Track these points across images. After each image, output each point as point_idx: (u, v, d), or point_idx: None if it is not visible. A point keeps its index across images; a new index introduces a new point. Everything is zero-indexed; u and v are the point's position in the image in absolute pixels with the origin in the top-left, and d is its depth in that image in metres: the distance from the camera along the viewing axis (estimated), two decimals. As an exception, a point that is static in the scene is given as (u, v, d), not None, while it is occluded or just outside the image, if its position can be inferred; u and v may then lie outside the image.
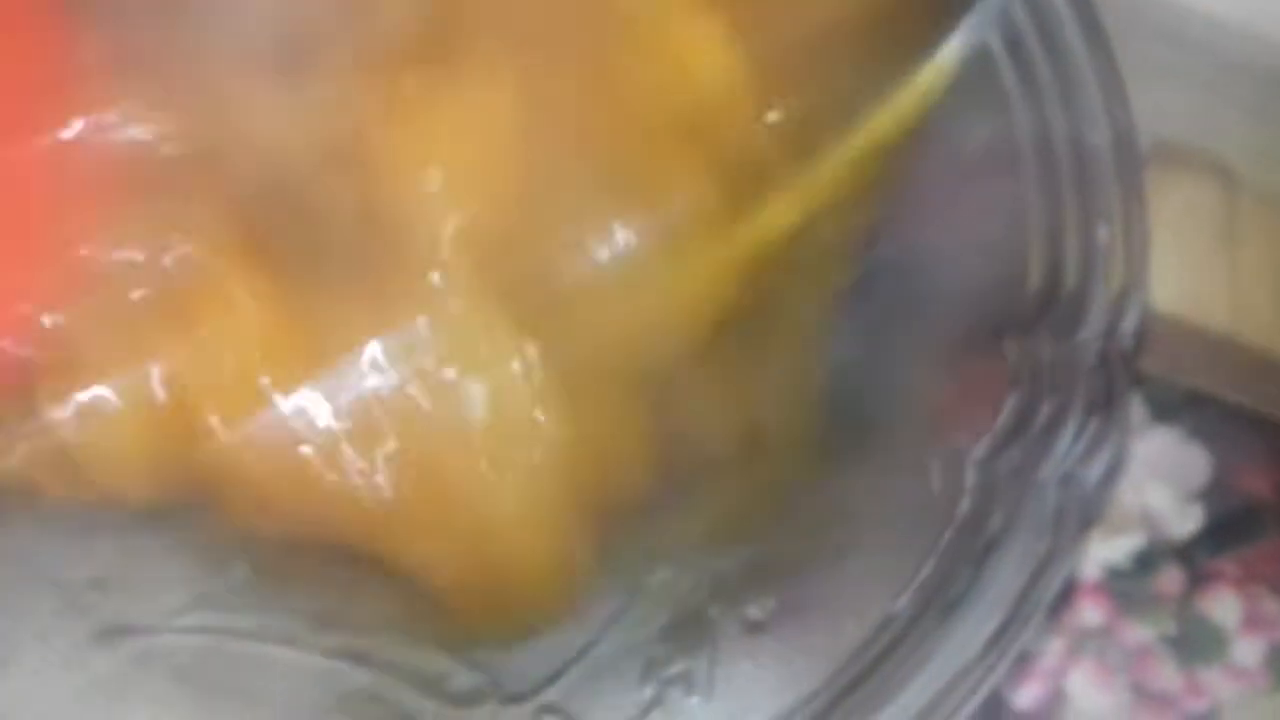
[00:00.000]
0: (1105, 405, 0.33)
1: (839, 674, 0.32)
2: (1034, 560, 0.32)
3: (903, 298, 0.37)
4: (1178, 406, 0.47)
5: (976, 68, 0.37)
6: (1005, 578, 0.32)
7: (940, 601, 0.32)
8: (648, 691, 0.34)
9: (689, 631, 0.35)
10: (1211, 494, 0.46)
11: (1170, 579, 0.45)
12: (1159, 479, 0.46)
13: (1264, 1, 0.50)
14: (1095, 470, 0.33)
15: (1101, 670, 0.44)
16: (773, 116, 0.31)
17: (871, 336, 0.38)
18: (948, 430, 0.35)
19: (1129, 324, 0.34)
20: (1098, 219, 0.35)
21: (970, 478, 0.34)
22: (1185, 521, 0.46)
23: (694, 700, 0.34)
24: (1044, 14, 0.37)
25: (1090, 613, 0.45)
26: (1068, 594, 0.44)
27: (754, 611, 0.34)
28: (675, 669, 0.34)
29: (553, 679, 0.35)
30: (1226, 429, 0.47)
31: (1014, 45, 0.37)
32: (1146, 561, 0.45)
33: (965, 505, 0.33)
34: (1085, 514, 0.33)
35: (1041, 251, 0.35)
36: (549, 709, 0.34)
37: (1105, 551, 0.45)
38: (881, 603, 0.33)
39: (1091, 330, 0.34)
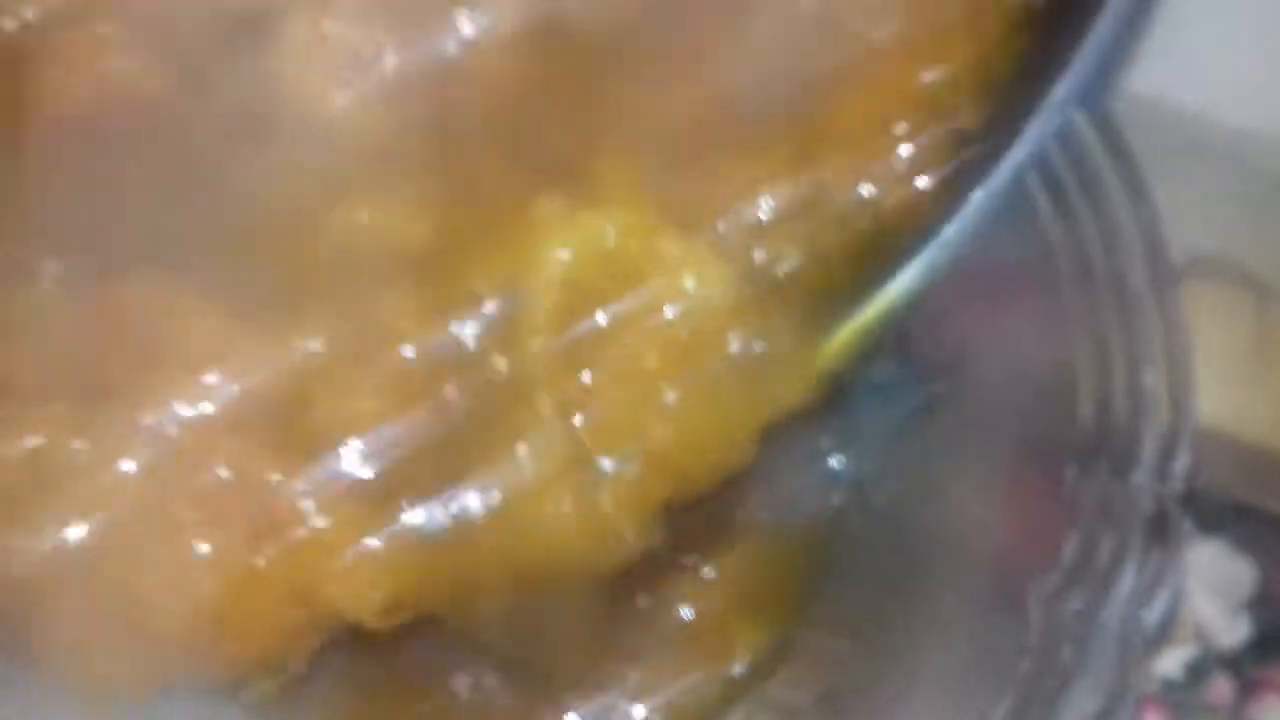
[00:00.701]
0: (1162, 544, 0.35)
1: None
2: (1104, 693, 0.34)
3: (958, 436, 0.39)
4: (1222, 518, 0.48)
5: (1018, 211, 0.39)
6: (1078, 710, 0.34)
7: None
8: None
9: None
10: (1258, 604, 0.47)
11: (1221, 689, 0.46)
12: (1207, 590, 0.47)
13: (1288, 112, 0.51)
14: (1156, 606, 0.35)
15: (1161, 781, 0.45)
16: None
17: (931, 473, 0.40)
18: (1012, 567, 0.37)
19: (1179, 464, 0.36)
20: (1143, 363, 0.36)
21: (1037, 616, 0.35)
22: (1234, 632, 0.47)
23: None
24: (1079, 156, 0.39)
25: (1145, 723, 0.46)
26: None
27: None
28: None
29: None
30: (1271, 540, 0.48)
31: (1053, 189, 0.39)
32: (1198, 672, 0.47)
33: (1033, 642, 0.35)
34: (1148, 646, 0.34)
35: (1090, 395, 0.37)
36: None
37: (1159, 664, 0.46)
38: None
39: (1144, 471, 0.36)
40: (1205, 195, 0.52)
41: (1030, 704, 0.34)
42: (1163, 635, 0.34)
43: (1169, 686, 0.46)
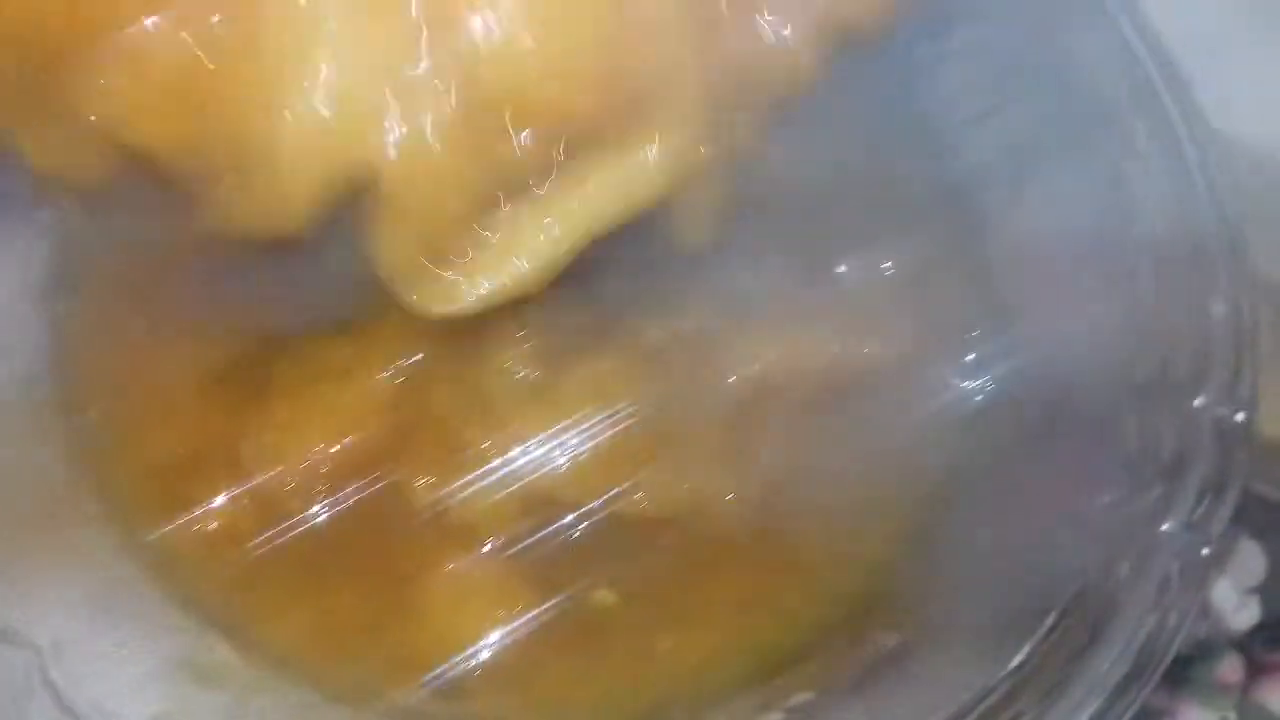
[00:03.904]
0: (1221, 471, 0.35)
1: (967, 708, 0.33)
2: (1157, 616, 0.33)
3: (1028, 367, 0.39)
4: (1236, 505, 0.48)
5: (1099, 152, 0.40)
6: (1128, 631, 0.33)
7: (1066, 650, 0.33)
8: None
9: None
10: (1268, 590, 0.47)
11: (1230, 668, 0.46)
12: (1220, 573, 0.47)
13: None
14: (1214, 528, 0.34)
15: (1167, 752, 0.45)
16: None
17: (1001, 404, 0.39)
18: (1071, 490, 0.36)
19: (1243, 393, 0.35)
20: (1212, 294, 0.36)
21: (1093, 534, 0.35)
22: (1243, 615, 0.47)
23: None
24: (1151, 108, 0.40)
25: (1154, 697, 0.45)
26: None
27: (887, 639, 0.35)
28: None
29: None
30: (1281, 529, 0.48)
31: (1126, 142, 0.39)
32: (1208, 650, 0.46)
33: (1092, 559, 0.34)
34: (1206, 567, 0.34)
35: (1157, 324, 0.37)
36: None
37: (1169, 637, 0.46)
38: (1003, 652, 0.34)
39: (1207, 399, 0.36)
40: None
41: (1081, 617, 0.34)
42: (1225, 552, 0.33)
43: (1177, 660, 0.46)
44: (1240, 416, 0.35)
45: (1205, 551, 0.33)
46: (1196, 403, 0.36)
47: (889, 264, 0.43)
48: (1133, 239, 0.39)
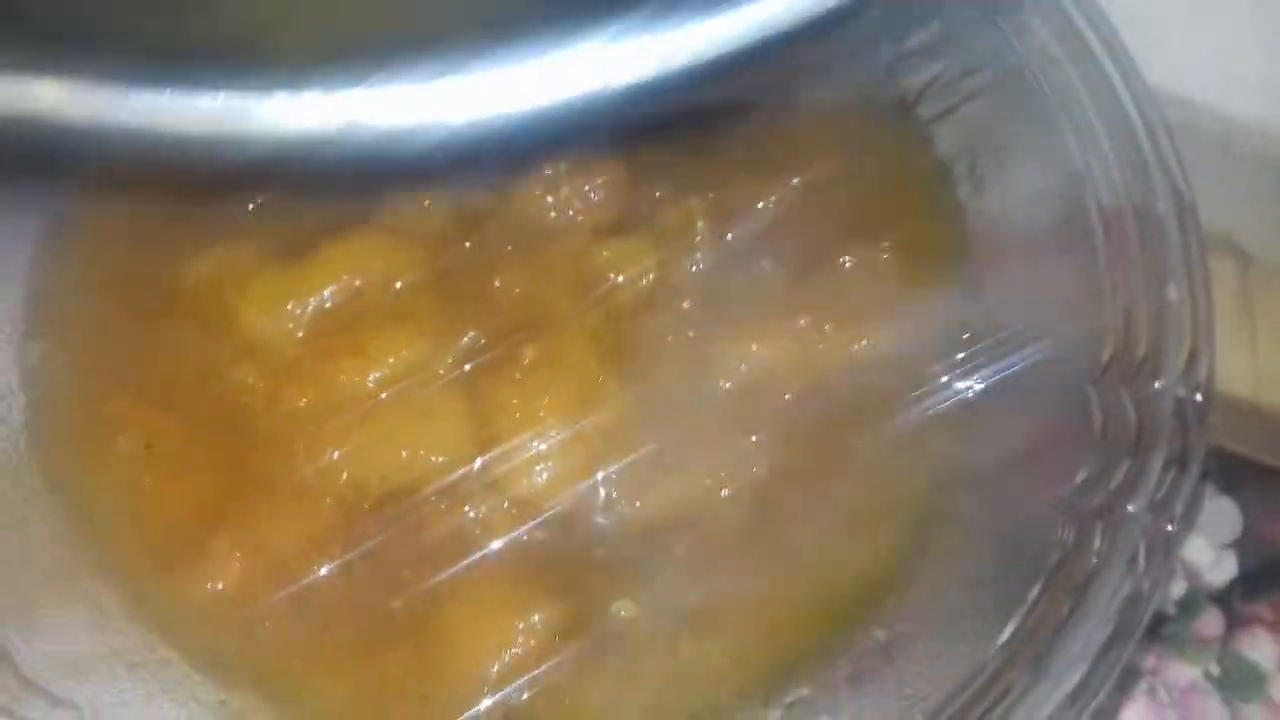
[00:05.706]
0: (1182, 449, 0.37)
1: (960, 688, 0.35)
2: (1131, 584, 0.35)
3: (1011, 360, 0.41)
4: (1208, 465, 0.50)
5: (1047, 147, 0.41)
6: (1106, 600, 0.35)
7: (1050, 622, 0.35)
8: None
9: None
10: (1243, 544, 0.50)
11: (1210, 622, 0.48)
12: (1195, 531, 0.50)
13: (1274, 103, 0.54)
14: (1178, 504, 0.36)
15: (1153, 706, 0.47)
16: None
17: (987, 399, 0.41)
18: (1044, 474, 0.38)
19: (1201, 374, 0.37)
20: (1167, 279, 0.38)
21: (1067, 514, 0.37)
22: (1221, 570, 0.49)
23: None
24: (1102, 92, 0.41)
25: (1137, 656, 0.47)
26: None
27: (881, 631, 0.37)
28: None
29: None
30: (1254, 485, 0.50)
31: (1084, 132, 0.41)
32: (1189, 607, 0.49)
33: (1067, 537, 0.36)
34: (1175, 535, 0.36)
35: (1116, 311, 0.39)
36: None
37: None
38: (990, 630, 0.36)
39: (1166, 381, 0.38)
40: (1192, 172, 0.54)
41: (1061, 590, 0.36)
42: (1185, 530, 0.35)
43: (1160, 618, 0.48)
44: (1199, 397, 0.37)
45: (1170, 528, 0.35)
46: (1157, 385, 0.37)
47: (880, 258, 0.45)
48: (1090, 225, 0.40)
